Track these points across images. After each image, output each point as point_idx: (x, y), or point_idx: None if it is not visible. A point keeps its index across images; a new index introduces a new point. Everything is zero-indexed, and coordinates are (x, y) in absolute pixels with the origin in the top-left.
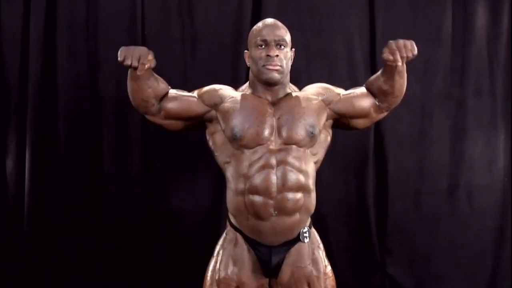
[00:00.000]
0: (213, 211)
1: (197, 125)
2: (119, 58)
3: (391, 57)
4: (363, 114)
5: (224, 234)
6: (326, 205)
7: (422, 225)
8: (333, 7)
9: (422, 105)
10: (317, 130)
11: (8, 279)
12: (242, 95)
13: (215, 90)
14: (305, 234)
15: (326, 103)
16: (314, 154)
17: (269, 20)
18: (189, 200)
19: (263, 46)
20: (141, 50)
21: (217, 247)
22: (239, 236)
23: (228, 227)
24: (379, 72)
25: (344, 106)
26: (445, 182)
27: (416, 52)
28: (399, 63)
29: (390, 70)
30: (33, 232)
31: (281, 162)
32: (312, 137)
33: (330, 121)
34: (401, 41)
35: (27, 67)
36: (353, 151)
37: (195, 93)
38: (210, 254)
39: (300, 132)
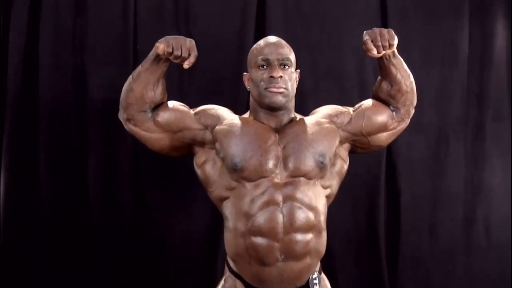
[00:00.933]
0: (209, 245)
1: (185, 145)
2: (166, 49)
3: (364, 47)
4: (382, 126)
5: (222, 281)
6: (333, 238)
7: (436, 260)
8: (343, 23)
9: (437, 130)
10: (328, 158)
11: None
12: (243, 119)
13: (213, 109)
14: (315, 281)
15: (338, 125)
16: (325, 187)
17: (271, 38)
18: (184, 233)
19: (265, 67)
20: (190, 40)
21: None
22: (239, 283)
23: (227, 273)
24: (378, 78)
25: (358, 123)
26: (462, 213)
27: (394, 41)
28: (374, 52)
29: (383, 66)
30: (7, 265)
31: (288, 198)
32: (322, 168)
33: (347, 145)
34: (376, 30)
35: (5, 82)
36: (362, 180)
37: (191, 109)
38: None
39: (309, 163)
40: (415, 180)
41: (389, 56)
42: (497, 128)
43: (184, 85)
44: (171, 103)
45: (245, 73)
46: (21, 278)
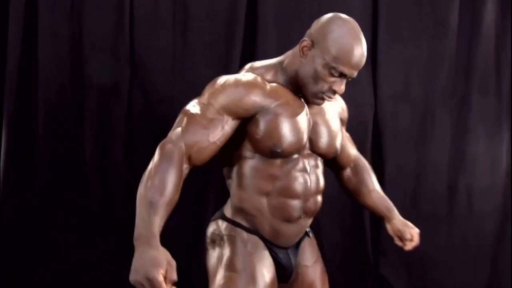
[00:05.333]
0: (199, 212)
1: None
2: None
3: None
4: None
5: (222, 241)
6: None
7: (419, 227)
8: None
9: (424, 102)
10: (339, 150)
11: None
12: (282, 92)
13: (242, 93)
14: (307, 229)
15: (342, 123)
16: None
17: (363, 50)
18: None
19: (337, 76)
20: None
21: (227, 257)
22: (255, 238)
23: (228, 231)
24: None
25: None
26: (445, 183)
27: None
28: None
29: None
30: (6, 218)
31: (314, 166)
32: (334, 156)
33: None
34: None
35: (5, 51)
36: None
37: (214, 109)
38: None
39: (334, 149)
40: (400, 149)
41: None
42: (482, 100)
43: (177, 48)
44: (197, 147)
45: (307, 39)
46: (20, 232)
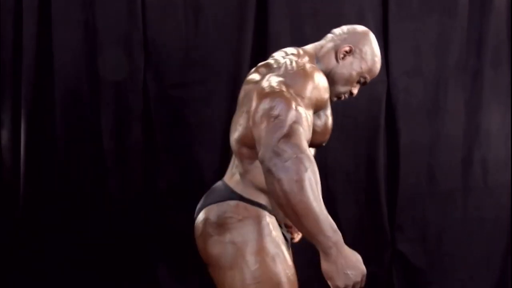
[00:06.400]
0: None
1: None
2: None
3: None
4: None
5: (260, 221)
6: (335, 179)
7: (434, 201)
8: None
9: (436, 76)
10: None
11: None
12: None
13: (325, 88)
14: None
15: None
16: None
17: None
18: (192, 176)
19: (362, 83)
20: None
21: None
22: (273, 218)
23: (251, 208)
24: None
25: None
26: (459, 156)
27: None
28: None
29: None
30: (28, 206)
31: None
32: None
33: None
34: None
35: (21, 37)
36: (363, 123)
37: (311, 104)
38: None
39: None
40: (414, 123)
41: None
42: (495, 74)
43: (190, 32)
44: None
45: (350, 46)
46: (40, 224)
